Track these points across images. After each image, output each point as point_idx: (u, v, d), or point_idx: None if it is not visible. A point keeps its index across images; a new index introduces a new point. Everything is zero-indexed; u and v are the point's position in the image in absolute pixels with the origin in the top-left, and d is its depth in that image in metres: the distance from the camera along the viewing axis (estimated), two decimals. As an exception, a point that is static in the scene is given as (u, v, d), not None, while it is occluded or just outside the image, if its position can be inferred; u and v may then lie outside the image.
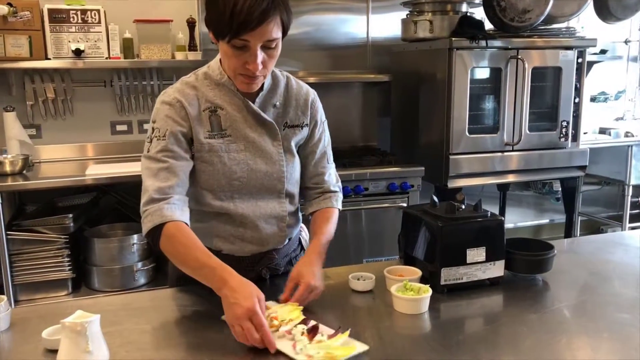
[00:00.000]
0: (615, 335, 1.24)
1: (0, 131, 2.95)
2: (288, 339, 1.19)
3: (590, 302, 1.43)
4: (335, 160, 1.70)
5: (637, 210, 4.34)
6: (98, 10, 2.90)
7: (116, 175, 2.71)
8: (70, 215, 2.69)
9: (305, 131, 1.56)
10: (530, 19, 3.07)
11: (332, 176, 1.65)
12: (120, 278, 2.78)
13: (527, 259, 1.51)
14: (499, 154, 3.16)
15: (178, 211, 1.35)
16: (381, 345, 1.19)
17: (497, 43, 3.03)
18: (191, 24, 3.09)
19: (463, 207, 1.49)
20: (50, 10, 2.84)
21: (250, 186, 1.48)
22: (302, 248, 1.71)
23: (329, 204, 1.61)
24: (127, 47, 3.01)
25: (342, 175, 1.76)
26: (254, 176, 1.48)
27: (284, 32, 1.36)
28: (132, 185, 2.64)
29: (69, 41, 2.87)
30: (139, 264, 2.80)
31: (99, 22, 2.90)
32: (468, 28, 3.02)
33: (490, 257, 1.45)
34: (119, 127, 3.26)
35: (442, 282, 1.43)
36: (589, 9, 3.45)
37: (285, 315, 1.25)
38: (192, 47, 3.11)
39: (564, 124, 3.26)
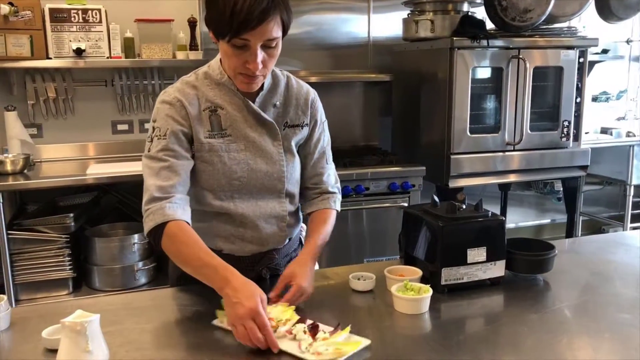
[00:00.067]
0: (617, 335, 1.24)
1: (1, 130, 2.96)
2: (289, 338, 1.18)
3: (592, 302, 1.43)
4: (336, 159, 1.69)
5: (639, 210, 4.33)
6: (99, 10, 2.91)
7: (117, 174, 2.72)
8: (71, 215, 2.69)
9: (305, 131, 1.56)
10: (532, 19, 3.07)
11: (331, 177, 1.64)
12: (121, 277, 2.78)
13: (527, 259, 1.51)
14: (500, 153, 3.16)
15: (180, 210, 1.35)
16: (381, 345, 1.19)
17: (499, 43, 3.03)
18: (192, 24, 3.10)
19: (464, 207, 1.49)
20: (51, 10, 2.84)
21: (251, 186, 1.48)
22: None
23: (327, 205, 1.60)
24: (128, 47, 3.01)
25: (343, 175, 1.76)
26: (254, 176, 1.48)
27: (284, 31, 1.36)
28: (133, 184, 2.64)
29: (70, 40, 2.87)
30: (140, 264, 2.80)
31: (100, 21, 2.91)
32: (469, 28, 3.02)
33: (491, 257, 1.45)
34: (120, 127, 3.26)
35: (443, 282, 1.43)
36: (591, 9, 3.44)
37: (279, 316, 1.25)
38: (193, 46, 3.12)
39: (566, 123, 3.26)
